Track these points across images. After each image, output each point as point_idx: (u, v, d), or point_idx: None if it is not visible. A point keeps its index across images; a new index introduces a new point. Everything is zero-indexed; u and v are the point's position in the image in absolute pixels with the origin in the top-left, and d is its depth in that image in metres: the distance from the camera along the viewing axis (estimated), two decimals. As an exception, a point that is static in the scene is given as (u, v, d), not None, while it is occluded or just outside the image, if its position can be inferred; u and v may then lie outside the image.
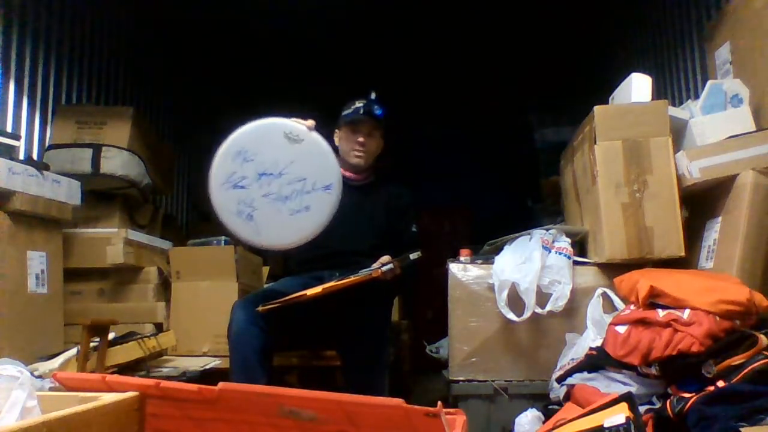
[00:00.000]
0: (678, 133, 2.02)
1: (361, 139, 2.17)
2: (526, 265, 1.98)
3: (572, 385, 1.67)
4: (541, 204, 4.00)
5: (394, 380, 2.49)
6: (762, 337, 1.36)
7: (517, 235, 2.16)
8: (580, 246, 2.21)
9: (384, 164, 2.32)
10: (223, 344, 2.14)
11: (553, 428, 1.45)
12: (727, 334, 1.39)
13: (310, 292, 1.78)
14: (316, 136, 1.72)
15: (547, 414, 1.75)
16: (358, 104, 2.19)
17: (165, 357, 2.57)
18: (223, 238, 2.91)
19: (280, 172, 1.61)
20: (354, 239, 2.12)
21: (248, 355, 1.83)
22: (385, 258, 1.91)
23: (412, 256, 1.89)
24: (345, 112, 2.21)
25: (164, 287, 2.85)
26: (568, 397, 1.69)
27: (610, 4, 3.84)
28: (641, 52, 3.59)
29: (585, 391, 1.59)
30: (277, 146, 1.64)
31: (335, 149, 2.24)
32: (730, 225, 1.76)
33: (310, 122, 1.76)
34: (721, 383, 1.32)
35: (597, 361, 1.63)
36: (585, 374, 1.65)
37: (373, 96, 2.24)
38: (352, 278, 1.80)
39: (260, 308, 1.79)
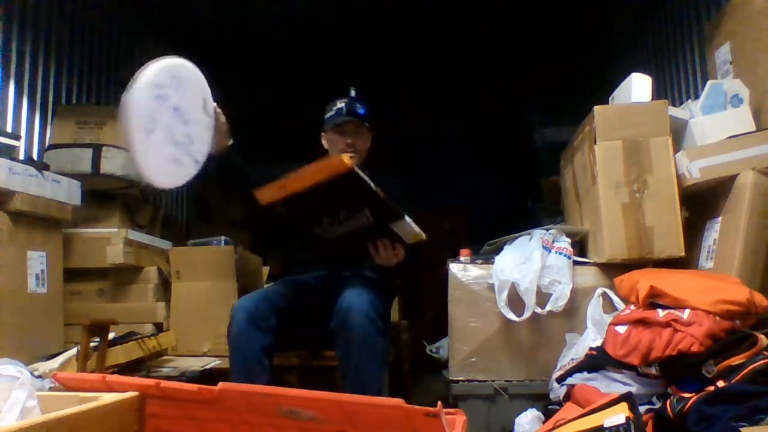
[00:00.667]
0: (678, 133, 2.02)
1: (349, 141, 2.13)
2: (526, 265, 1.98)
3: (572, 385, 1.67)
4: (541, 204, 3.99)
5: (394, 380, 2.49)
6: (762, 337, 1.36)
7: (517, 235, 2.16)
8: (580, 246, 2.21)
9: (376, 162, 2.29)
10: (223, 344, 2.13)
11: (553, 428, 1.44)
12: (727, 334, 1.39)
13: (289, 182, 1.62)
14: (210, 127, 1.70)
15: (547, 414, 1.75)
16: (340, 105, 2.14)
17: (165, 357, 2.56)
18: (223, 238, 2.91)
19: (186, 121, 1.59)
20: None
21: (248, 355, 1.82)
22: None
23: (417, 230, 1.76)
24: (328, 115, 2.16)
25: (164, 287, 2.85)
26: (568, 397, 1.69)
27: (610, 5, 3.84)
28: (641, 52, 3.59)
29: (585, 391, 1.59)
30: (196, 102, 1.64)
31: (324, 152, 2.22)
32: (730, 225, 1.76)
33: (220, 113, 1.74)
34: (721, 383, 1.32)
35: (597, 361, 1.63)
36: (585, 374, 1.65)
37: (353, 93, 2.19)
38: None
39: (261, 197, 1.66)
